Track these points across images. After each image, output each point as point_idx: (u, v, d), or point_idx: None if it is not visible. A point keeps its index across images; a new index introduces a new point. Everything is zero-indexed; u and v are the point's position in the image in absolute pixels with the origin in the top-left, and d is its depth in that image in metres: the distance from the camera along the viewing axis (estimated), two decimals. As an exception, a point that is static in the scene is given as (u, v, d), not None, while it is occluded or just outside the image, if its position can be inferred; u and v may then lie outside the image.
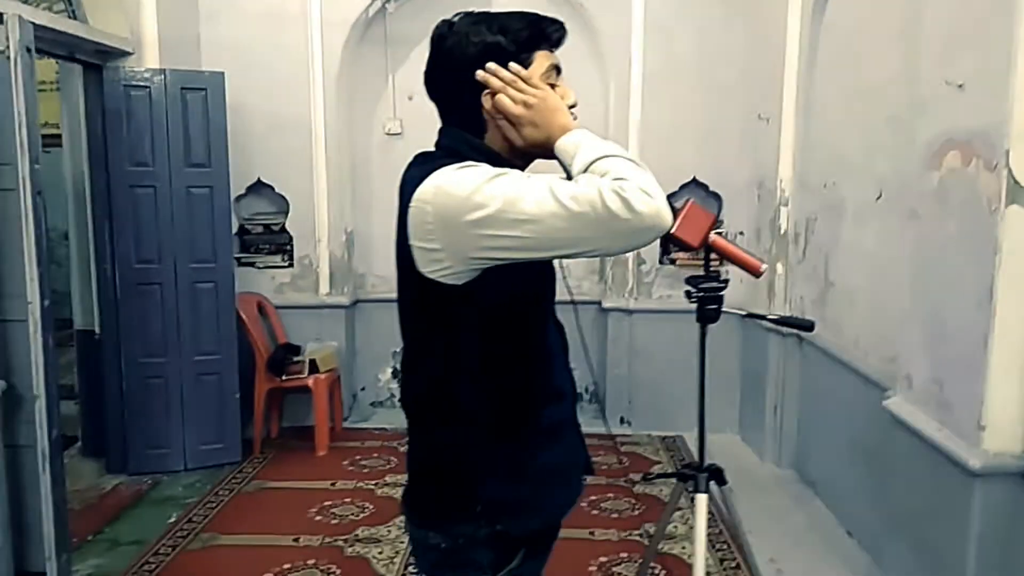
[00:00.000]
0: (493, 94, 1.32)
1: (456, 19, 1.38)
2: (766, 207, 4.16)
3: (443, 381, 1.34)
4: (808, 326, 1.65)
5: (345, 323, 4.82)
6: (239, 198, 4.60)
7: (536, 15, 1.37)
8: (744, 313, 1.62)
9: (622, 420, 4.73)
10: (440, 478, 1.37)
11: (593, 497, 3.73)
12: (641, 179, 1.14)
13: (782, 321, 1.63)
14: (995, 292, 2.14)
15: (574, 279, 4.89)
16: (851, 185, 3.41)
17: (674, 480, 1.76)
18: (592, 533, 3.38)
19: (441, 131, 1.42)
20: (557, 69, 1.38)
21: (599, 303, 4.84)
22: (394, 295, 4.85)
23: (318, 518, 3.54)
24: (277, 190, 4.69)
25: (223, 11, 4.51)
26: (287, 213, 4.73)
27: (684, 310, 4.62)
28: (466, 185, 1.19)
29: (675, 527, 3.38)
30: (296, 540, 3.32)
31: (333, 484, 3.92)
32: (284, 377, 4.33)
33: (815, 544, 3.28)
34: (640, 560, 1.93)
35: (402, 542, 3.29)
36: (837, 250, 3.56)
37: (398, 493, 3.80)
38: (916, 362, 2.57)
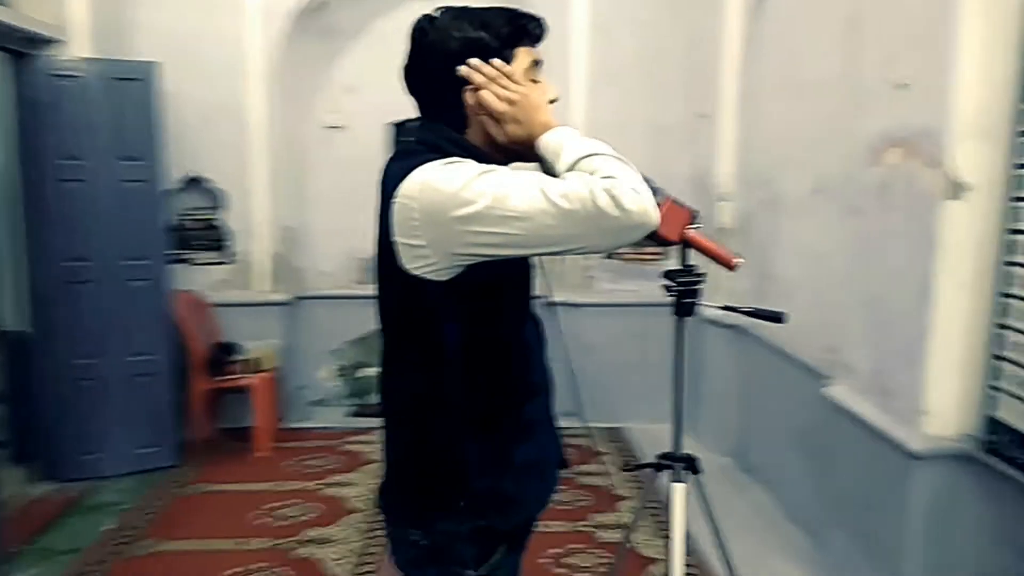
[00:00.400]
0: (476, 90, 1.31)
1: (436, 14, 1.36)
2: (707, 202, 4.26)
3: (426, 376, 1.33)
4: (778, 318, 1.70)
5: (285, 321, 4.72)
6: (174, 192, 4.45)
7: (516, 11, 1.36)
8: (720, 306, 1.65)
9: (568, 413, 4.76)
10: (423, 474, 1.36)
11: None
12: (630, 177, 1.16)
13: (755, 313, 1.67)
14: (935, 284, 2.25)
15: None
16: (790, 180, 3.52)
17: (650, 470, 1.79)
18: (544, 525, 3.40)
19: (421, 126, 1.39)
20: (538, 64, 1.37)
21: (543, 297, 4.86)
22: (336, 291, 4.84)
23: (264, 520, 3.46)
24: (214, 184, 4.55)
25: (156, -3, 4.36)
26: (225, 208, 4.60)
27: (628, 304, 4.81)
28: (454, 181, 1.18)
29: (624, 517, 3.44)
30: (242, 543, 3.24)
31: (276, 485, 3.84)
32: (223, 377, 4.21)
33: (758, 530, 3.38)
34: (616, 551, 1.96)
35: (354, 541, 3.25)
36: (776, 244, 3.67)
37: (345, 492, 3.79)
38: (858, 351, 2.68)
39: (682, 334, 1.71)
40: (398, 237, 1.24)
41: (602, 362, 4.66)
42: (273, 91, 4.52)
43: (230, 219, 4.60)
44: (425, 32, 1.34)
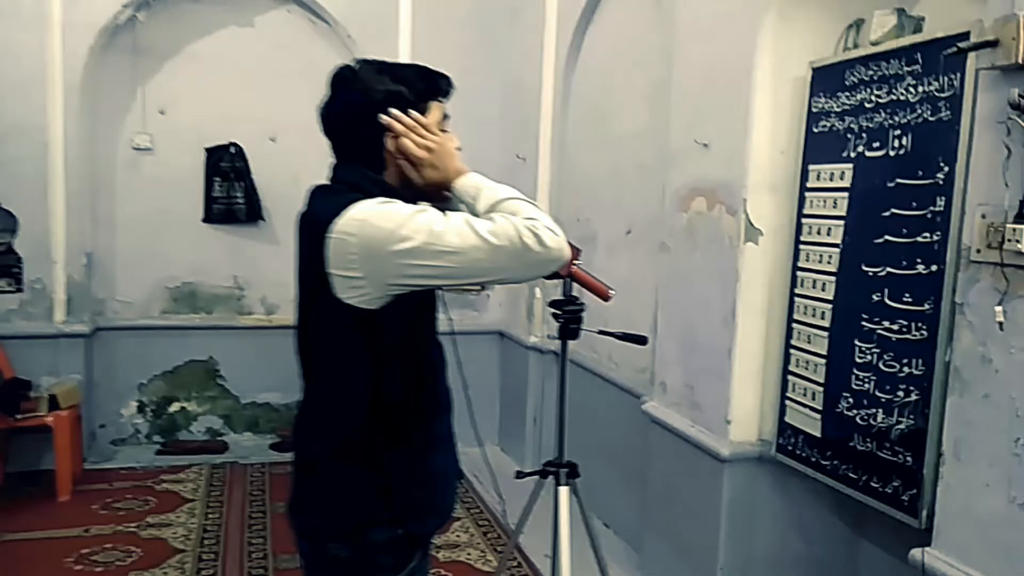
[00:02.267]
0: (396, 137, 1.45)
1: (357, 66, 1.49)
2: (524, 237, 4.58)
3: (351, 394, 1.43)
4: (643, 340, 1.97)
5: (84, 354, 4.40)
6: (-45, 214, 4.03)
7: (428, 69, 1.52)
8: (596, 330, 1.89)
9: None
10: (348, 488, 1.45)
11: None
12: (546, 219, 1.35)
13: (623, 336, 1.93)
14: (737, 312, 2.66)
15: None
16: (603, 220, 3.92)
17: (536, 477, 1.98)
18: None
19: (338, 166, 1.51)
20: (446, 117, 1.54)
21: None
22: (142, 322, 4.73)
23: (78, 568, 3.22)
24: (3, 206, 4.17)
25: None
26: (15, 231, 4.22)
27: (459, 332, 4.99)
28: (392, 219, 1.32)
29: (458, 535, 3.60)
30: (59, 594, 3.01)
31: (87, 531, 3.57)
32: (19, 416, 3.85)
33: (579, 538, 3.68)
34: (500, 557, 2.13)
35: (185, 581, 3.13)
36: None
37: (167, 534, 3.61)
38: (670, 371, 3.07)
39: (565, 355, 1.93)
40: (333, 269, 1.34)
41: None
42: (77, 109, 4.26)
43: (22, 244, 4.23)
44: (349, 82, 1.47)
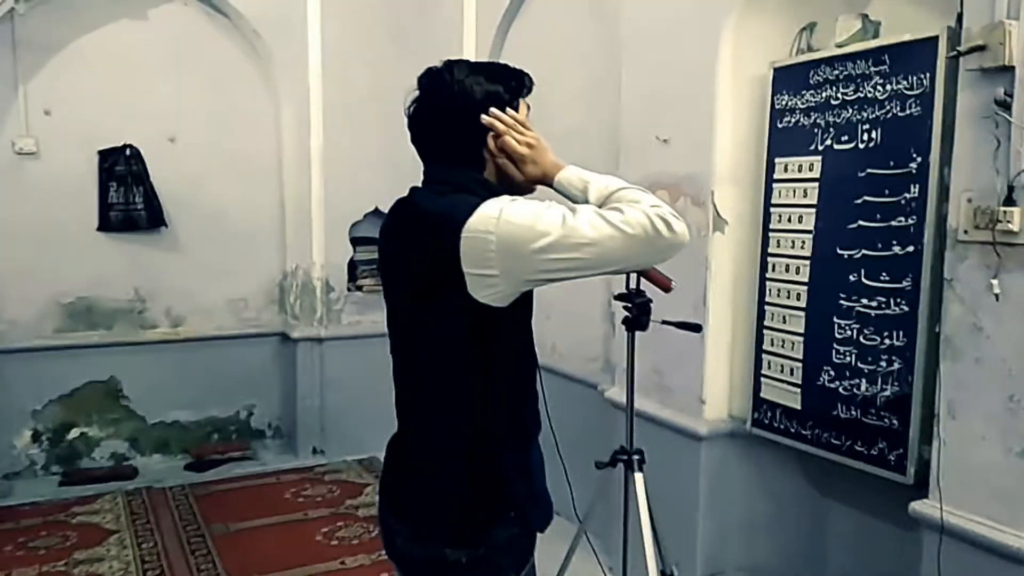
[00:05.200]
0: (496, 136, 1.45)
1: (450, 67, 1.47)
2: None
3: (468, 389, 1.43)
4: (697, 328, 2.06)
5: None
6: None
7: (512, 67, 1.53)
8: (660, 321, 1.96)
9: (315, 450, 4.71)
10: (467, 487, 1.44)
11: (325, 529, 3.72)
12: (667, 206, 1.39)
13: (680, 324, 2.01)
14: (707, 298, 2.83)
15: (251, 310, 4.75)
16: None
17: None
18: (343, 563, 3.40)
19: (437, 168, 1.49)
20: (529, 113, 1.56)
21: (283, 334, 4.76)
22: (33, 343, 4.45)
23: (15, 616, 2.93)
24: None
25: None
26: None
27: (374, 335, 4.89)
28: (528, 215, 1.32)
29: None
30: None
31: (8, 575, 3.24)
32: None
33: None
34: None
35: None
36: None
37: (100, 569, 3.34)
38: (636, 357, 3.18)
39: (633, 347, 1.98)
40: (469, 268, 1.34)
41: (349, 394, 4.70)
42: (-49, 109, 3.82)
43: None
44: (445, 83, 1.45)
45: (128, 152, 4.40)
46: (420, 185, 1.53)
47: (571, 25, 3.70)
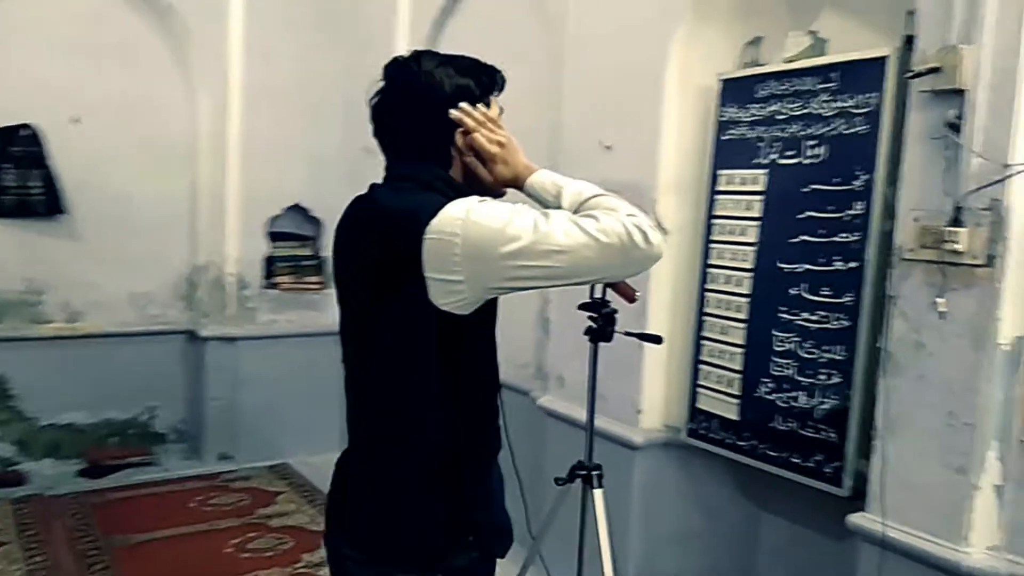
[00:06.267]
0: (465, 133, 1.36)
1: (417, 58, 1.37)
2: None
3: (428, 404, 1.33)
4: (658, 340, 2.01)
5: None
6: None
7: (483, 63, 1.44)
8: (624, 332, 1.89)
9: (223, 456, 4.46)
10: (429, 510, 1.34)
11: (235, 540, 3.52)
12: (644, 216, 1.32)
13: (641, 336, 1.95)
14: (648, 308, 2.80)
15: (156, 306, 4.48)
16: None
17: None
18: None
19: (400, 163, 1.39)
20: (501, 112, 1.47)
21: (190, 332, 4.49)
22: None
23: None
24: None
25: None
26: None
27: (290, 334, 4.68)
28: (497, 217, 1.23)
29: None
30: None
31: None
32: None
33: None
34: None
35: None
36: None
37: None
38: (569, 365, 3.13)
39: (596, 358, 1.91)
40: (431, 273, 1.24)
41: (262, 396, 4.49)
42: None
43: None
44: (412, 74, 1.35)
45: (25, 132, 4.06)
46: (380, 181, 1.42)
47: (512, 22, 3.63)
